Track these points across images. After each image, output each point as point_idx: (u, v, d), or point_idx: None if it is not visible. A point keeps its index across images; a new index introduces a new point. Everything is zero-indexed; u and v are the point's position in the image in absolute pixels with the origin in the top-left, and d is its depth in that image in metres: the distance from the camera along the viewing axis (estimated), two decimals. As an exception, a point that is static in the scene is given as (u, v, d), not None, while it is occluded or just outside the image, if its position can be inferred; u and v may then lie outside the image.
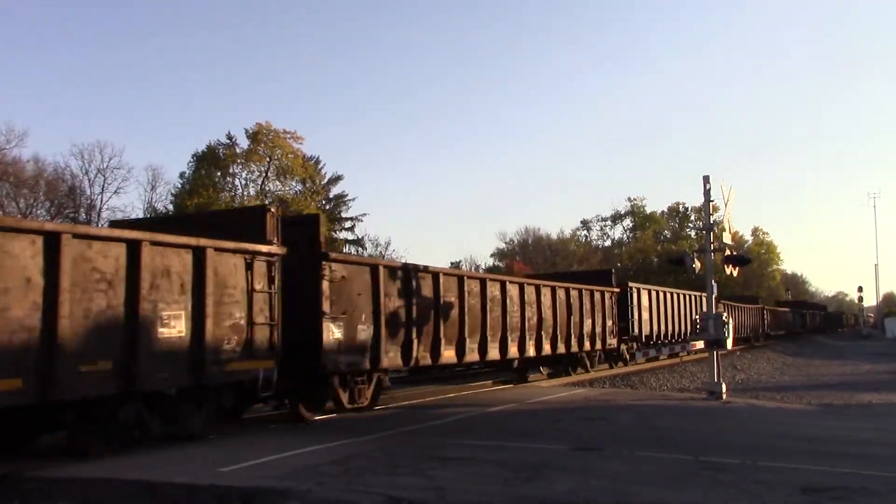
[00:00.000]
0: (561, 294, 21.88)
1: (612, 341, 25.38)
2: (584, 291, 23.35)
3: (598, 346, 24.38)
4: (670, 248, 79.07)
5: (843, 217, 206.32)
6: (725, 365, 27.93)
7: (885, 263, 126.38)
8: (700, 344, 19.45)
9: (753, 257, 69.88)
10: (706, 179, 18.86)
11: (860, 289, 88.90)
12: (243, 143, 57.29)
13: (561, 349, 21.53)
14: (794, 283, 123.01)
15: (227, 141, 57.33)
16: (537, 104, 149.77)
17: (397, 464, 9.08)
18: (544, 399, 17.41)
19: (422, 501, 7.24)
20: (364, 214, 66.93)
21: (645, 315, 28.95)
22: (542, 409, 15.63)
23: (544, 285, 21.21)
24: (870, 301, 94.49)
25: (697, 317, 20.02)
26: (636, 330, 27.80)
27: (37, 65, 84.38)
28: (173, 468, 8.77)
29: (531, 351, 19.91)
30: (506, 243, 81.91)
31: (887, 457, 10.98)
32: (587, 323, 23.37)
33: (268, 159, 57.84)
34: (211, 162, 56.25)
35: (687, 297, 35.58)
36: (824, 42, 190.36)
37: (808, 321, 74.19)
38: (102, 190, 51.45)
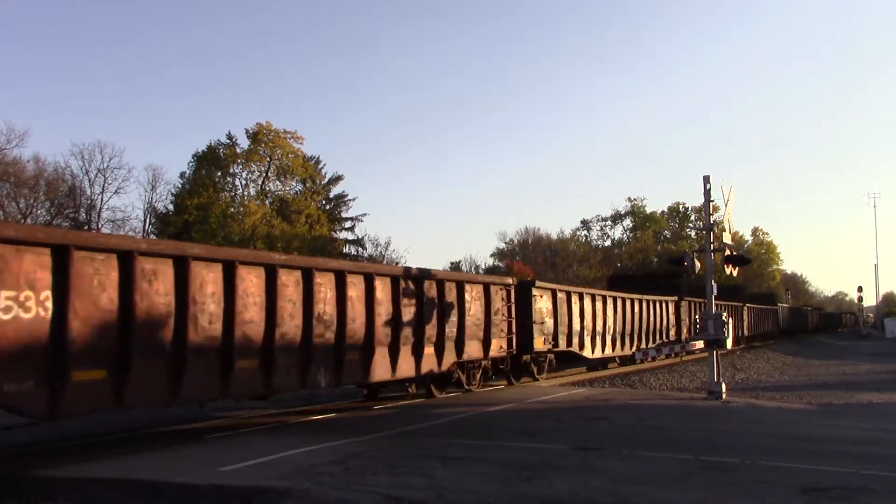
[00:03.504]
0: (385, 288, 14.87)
1: (502, 350, 18.85)
2: (446, 283, 16.62)
3: (479, 355, 18.04)
4: (670, 248, 79.06)
5: (843, 217, 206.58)
6: (725, 365, 27.96)
7: (884, 263, 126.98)
8: (700, 344, 19.45)
9: (753, 257, 69.88)
10: (706, 179, 18.87)
11: (860, 289, 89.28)
12: (243, 142, 57.43)
13: (405, 369, 15.38)
14: (794, 282, 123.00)
15: (228, 141, 57.47)
16: (537, 104, 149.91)
17: (397, 463, 9.08)
18: (544, 398, 17.41)
19: (422, 501, 7.24)
20: (364, 214, 67.10)
21: (554, 321, 21.70)
22: (541, 409, 15.63)
23: (379, 274, 14.90)
24: (869, 301, 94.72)
25: (697, 317, 19.99)
26: (543, 341, 20.83)
27: (37, 64, 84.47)
28: (174, 468, 8.77)
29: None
30: (506, 243, 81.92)
31: (887, 456, 10.98)
32: (451, 326, 16.74)
33: (268, 159, 57.90)
34: (211, 162, 56.30)
35: (645, 304, 29.07)
36: (824, 42, 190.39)
37: (811, 321, 73.98)
38: (102, 190, 51.59)
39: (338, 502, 7.18)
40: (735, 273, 21.49)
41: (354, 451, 9.90)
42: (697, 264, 19.34)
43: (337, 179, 66.07)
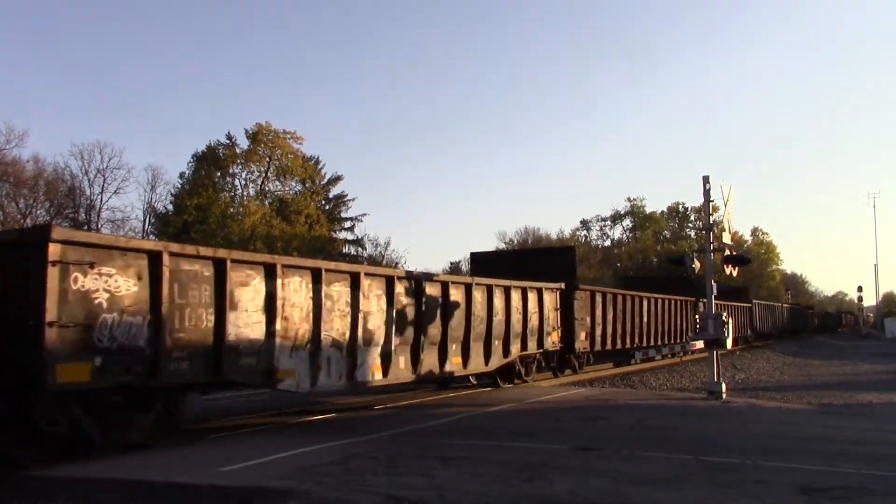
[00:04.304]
0: None
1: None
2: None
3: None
4: (670, 248, 79.11)
5: (843, 217, 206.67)
6: (725, 365, 27.96)
7: (884, 263, 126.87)
8: (700, 344, 19.46)
9: (753, 257, 69.99)
10: (706, 179, 18.87)
11: (860, 289, 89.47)
12: (243, 143, 57.46)
13: None
14: (794, 282, 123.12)
15: (227, 141, 57.50)
16: (537, 104, 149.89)
17: (397, 464, 9.08)
18: (544, 399, 17.40)
19: (422, 501, 7.23)
20: (364, 214, 67.13)
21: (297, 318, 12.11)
22: (541, 409, 15.62)
23: None
24: (869, 301, 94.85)
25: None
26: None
27: (37, 65, 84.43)
28: (173, 468, 8.77)
29: None
30: (506, 243, 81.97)
31: (887, 456, 10.98)
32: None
33: (267, 159, 57.91)
34: (211, 162, 56.33)
35: (501, 292, 18.33)
36: (824, 42, 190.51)
37: (806, 321, 73.82)
38: (102, 190, 51.60)
39: (338, 502, 7.17)
40: (735, 273, 21.49)
41: (355, 452, 9.90)
42: (697, 264, 19.36)
43: (336, 179, 66.14)
